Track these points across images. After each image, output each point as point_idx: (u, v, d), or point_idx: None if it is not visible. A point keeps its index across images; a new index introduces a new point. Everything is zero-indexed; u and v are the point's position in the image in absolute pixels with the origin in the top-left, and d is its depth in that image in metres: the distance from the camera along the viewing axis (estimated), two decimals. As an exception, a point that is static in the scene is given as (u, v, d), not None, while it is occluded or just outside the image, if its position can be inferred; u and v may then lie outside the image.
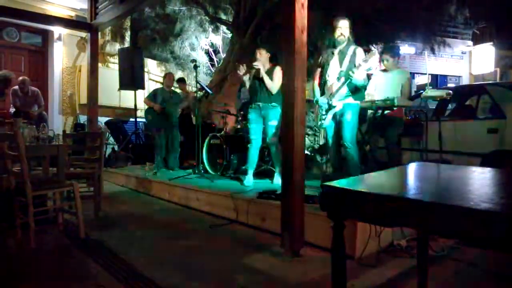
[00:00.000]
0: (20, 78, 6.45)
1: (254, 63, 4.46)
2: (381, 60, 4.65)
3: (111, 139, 8.07)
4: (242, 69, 4.62)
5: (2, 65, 7.48)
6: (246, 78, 4.63)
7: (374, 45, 7.98)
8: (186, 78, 8.89)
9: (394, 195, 1.22)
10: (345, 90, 3.69)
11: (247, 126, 5.35)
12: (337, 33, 3.71)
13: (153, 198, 5.07)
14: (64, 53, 8.47)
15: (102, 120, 7.68)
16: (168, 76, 6.47)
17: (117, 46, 8.97)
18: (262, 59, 4.49)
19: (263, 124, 4.54)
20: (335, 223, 1.35)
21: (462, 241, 2.57)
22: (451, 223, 1.06)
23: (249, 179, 4.51)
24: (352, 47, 3.69)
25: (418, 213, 1.12)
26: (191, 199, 4.40)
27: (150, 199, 5.05)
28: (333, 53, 3.81)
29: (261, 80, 4.42)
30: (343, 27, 3.69)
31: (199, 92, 5.57)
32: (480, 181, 1.56)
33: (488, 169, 1.74)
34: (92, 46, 5.96)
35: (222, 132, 5.85)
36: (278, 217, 2.92)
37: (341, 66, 3.70)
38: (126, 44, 9.16)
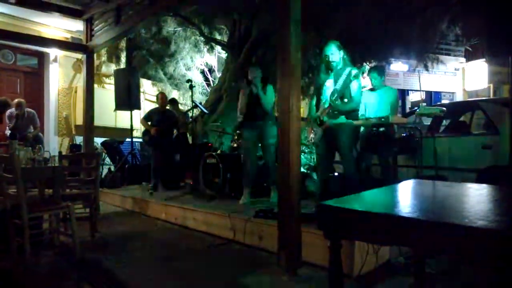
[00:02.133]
0: (16, 100, 6.46)
1: (250, 78, 4.51)
2: (369, 80, 4.72)
3: (108, 160, 8.04)
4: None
5: (-1, 87, 7.51)
6: (242, 92, 4.62)
7: (367, 63, 8.09)
8: (181, 98, 8.95)
9: (388, 214, 1.23)
10: (339, 112, 3.70)
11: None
12: (327, 59, 3.76)
13: (150, 218, 5.03)
14: (60, 75, 8.52)
15: (98, 140, 7.68)
16: (160, 96, 6.52)
17: (113, 67, 9.04)
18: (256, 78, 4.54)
19: (259, 142, 4.56)
20: (331, 243, 1.35)
21: (459, 259, 2.57)
22: (447, 241, 1.06)
23: (245, 198, 4.50)
24: (348, 69, 3.69)
25: (413, 231, 1.13)
26: (188, 219, 4.37)
27: (146, 219, 5.01)
28: (328, 74, 3.83)
29: (255, 98, 4.46)
30: (329, 54, 3.74)
31: (194, 112, 5.59)
32: (475, 198, 1.57)
33: (484, 185, 1.75)
34: (88, 67, 6.01)
35: (218, 151, 5.85)
36: (275, 235, 2.91)
37: (335, 85, 3.73)
38: (122, 65, 9.23)
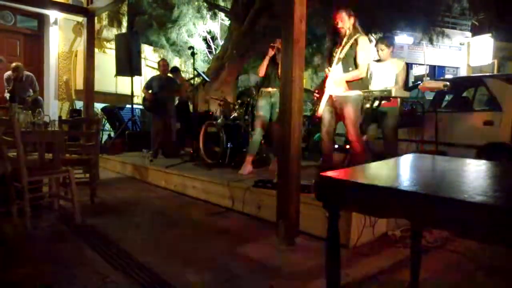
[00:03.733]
0: (14, 64, 6.38)
1: (273, 44, 4.46)
2: (376, 50, 4.63)
3: (108, 126, 8.04)
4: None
5: (-3, 48, 7.40)
6: (268, 57, 4.56)
7: (373, 34, 7.94)
8: (183, 65, 8.84)
9: (388, 187, 1.23)
10: (342, 82, 3.58)
11: (245, 114, 5.36)
12: (335, 26, 3.65)
13: (150, 185, 5.07)
14: (60, 38, 8.38)
15: (98, 106, 7.64)
16: (162, 63, 6.43)
17: (114, 31, 8.88)
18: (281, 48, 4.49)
19: (269, 113, 4.55)
20: (330, 213, 1.36)
21: (456, 233, 2.60)
22: (445, 216, 1.07)
23: (247, 167, 4.52)
24: (356, 35, 3.57)
25: (412, 205, 1.13)
26: (188, 187, 4.41)
27: (146, 186, 5.06)
28: (337, 43, 3.70)
29: (275, 65, 4.41)
30: (338, 19, 3.63)
31: (196, 79, 5.54)
32: (475, 173, 1.57)
33: (483, 161, 1.75)
34: (88, 31, 5.89)
35: (219, 120, 5.83)
36: (274, 205, 2.94)
37: (340, 55, 3.63)
38: (123, 30, 9.06)
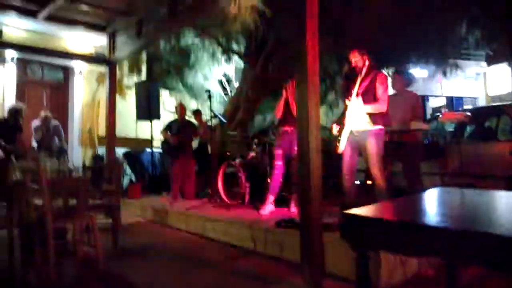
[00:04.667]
0: (43, 113, 6.63)
1: (285, 85, 4.54)
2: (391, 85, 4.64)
3: (128, 170, 8.15)
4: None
5: (26, 99, 7.72)
6: (282, 98, 4.63)
7: (385, 69, 7.99)
8: (200, 107, 9.01)
9: (419, 223, 1.19)
10: (364, 116, 3.58)
11: (262, 153, 5.37)
12: (352, 63, 3.70)
13: (170, 228, 5.04)
14: (84, 88, 8.73)
15: (119, 151, 7.79)
16: (180, 107, 6.59)
17: (134, 79, 9.21)
18: (294, 88, 4.57)
19: (289, 151, 4.55)
20: (358, 255, 1.31)
21: (493, 270, 2.47)
22: (480, 251, 1.02)
23: (269, 207, 4.48)
24: (373, 72, 3.62)
25: (444, 241, 1.08)
26: (208, 229, 4.37)
27: (167, 229, 5.03)
28: (354, 81, 3.71)
29: (289, 105, 4.49)
30: (353, 60, 3.69)
31: (213, 121, 5.63)
32: (507, 206, 1.51)
33: (514, 193, 1.69)
34: (110, 80, 6.13)
35: (237, 160, 5.85)
36: (297, 246, 2.86)
37: (358, 88, 3.63)
38: (143, 77, 9.39)
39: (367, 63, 3.62)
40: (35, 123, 6.67)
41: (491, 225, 1.12)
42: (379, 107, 3.56)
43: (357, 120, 3.58)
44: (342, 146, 3.63)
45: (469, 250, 1.04)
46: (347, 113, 3.63)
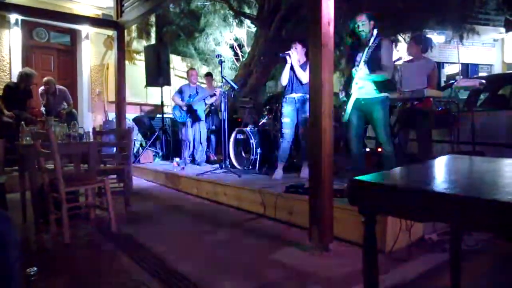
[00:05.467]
0: (45, 78, 6.63)
1: (287, 51, 4.47)
2: (407, 49, 4.53)
3: (139, 136, 8.23)
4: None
5: (33, 64, 7.71)
6: (288, 65, 4.59)
7: (402, 35, 7.78)
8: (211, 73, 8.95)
9: (426, 189, 1.19)
10: (370, 85, 3.58)
11: (273, 120, 5.36)
12: (357, 29, 3.63)
13: (182, 193, 5.14)
14: (92, 52, 8.67)
15: (129, 116, 7.84)
16: (190, 73, 6.52)
17: (143, 43, 9.11)
18: (298, 53, 4.52)
19: (296, 118, 4.55)
20: (366, 219, 1.32)
21: (498, 236, 2.49)
22: (487, 218, 1.02)
23: (279, 173, 4.53)
24: (378, 39, 3.55)
25: (451, 207, 1.09)
26: (219, 194, 4.44)
27: (178, 194, 5.13)
28: (358, 48, 3.69)
29: (294, 72, 4.48)
30: (359, 24, 3.60)
31: (224, 87, 5.60)
32: (518, 173, 1.50)
33: (526, 161, 1.67)
34: (118, 44, 6.07)
35: (248, 127, 5.86)
36: (305, 211, 2.90)
37: (363, 57, 3.59)
38: (152, 41, 9.28)
39: (374, 31, 3.55)
40: (41, 89, 6.70)
41: (498, 193, 1.12)
42: (385, 74, 3.56)
43: (363, 88, 3.58)
44: (347, 115, 3.65)
45: (476, 216, 1.05)
46: (353, 81, 3.59)
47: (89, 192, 3.60)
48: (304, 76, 4.43)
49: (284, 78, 4.63)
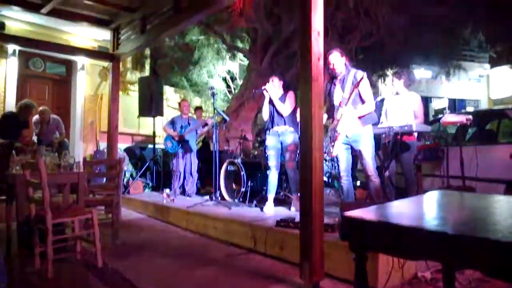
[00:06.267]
0: (40, 108, 6.64)
1: (263, 87, 4.56)
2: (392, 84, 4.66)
3: (130, 166, 8.16)
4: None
5: (28, 94, 7.73)
6: (266, 99, 4.64)
7: (389, 70, 7.99)
8: (203, 104, 9.06)
9: (417, 227, 1.19)
10: (354, 119, 3.67)
11: (264, 152, 5.38)
12: (330, 67, 3.76)
13: (171, 225, 5.05)
14: (87, 82, 8.73)
15: (121, 146, 7.81)
16: (182, 104, 6.58)
17: (137, 74, 9.22)
18: (275, 86, 4.60)
19: (281, 150, 4.58)
20: (356, 255, 1.32)
21: (490, 274, 2.47)
22: (478, 256, 1.02)
23: (269, 206, 4.51)
24: (352, 72, 3.70)
25: (442, 245, 1.09)
26: (209, 227, 4.38)
27: (167, 226, 5.04)
28: (334, 83, 3.84)
29: (273, 105, 4.53)
30: (332, 61, 3.75)
31: (216, 118, 5.63)
32: (507, 210, 1.51)
33: (515, 197, 1.68)
34: (113, 75, 6.14)
35: (239, 159, 5.86)
36: (297, 246, 2.86)
37: (343, 92, 3.70)
38: (146, 72, 9.40)
39: (343, 63, 3.71)
40: (35, 117, 6.69)
41: (489, 230, 1.12)
42: (368, 107, 3.70)
43: (348, 124, 3.68)
44: (336, 149, 3.71)
45: (467, 254, 1.05)
46: (338, 118, 3.70)
47: (76, 224, 3.52)
48: (283, 108, 4.48)
49: (265, 113, 4.68)
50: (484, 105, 13.07)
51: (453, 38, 7.29)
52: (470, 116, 4.28)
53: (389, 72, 7.84)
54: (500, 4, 6.31)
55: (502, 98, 12.43)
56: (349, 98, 3.62)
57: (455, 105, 13.04)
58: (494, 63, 12.36)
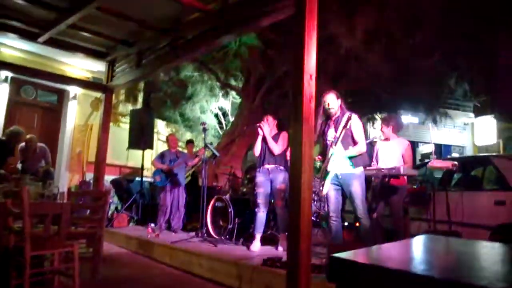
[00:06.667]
0: (28, 136, 6.59)
1: (258, 124, 4.62)
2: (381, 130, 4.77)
3: (116, 198, 8.04)
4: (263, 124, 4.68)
5: (16, 120, 7.68)
6: (260, 136, 4.67)
7: (378, 114, 8.19)
8: (194, 139, 9.09)
9: (404, 271, 1.19)
10: (346, 160, 3.71)
11: (253, 189, 5.36)
12: (325, 107, 3.85)
13: (154, 261, 4.92)
14: (77, 112, 8.73)
15: (108, 178, 7.71)
16: (170, 138, 6.60)
17: (129, 107, 9.26)
18: (269, 125, 4.66)
19: (270, 188, 4.57)
20: (344, 299, 1.30)
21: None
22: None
23: (256, 245, 4.44)
24: (346, 114, 3.77)
25: (429, 290, 1.09)
26: (193, 264, 4.27)
27: (150, 262, 4.90)
28: (328, 124, 3.92)
29: (266, 143, 4.55)
30: (328, 101, 3.84)
31: (206, 154, 5.64)
32: (492, 257, 1.52)
33: (499, 244, 1.70)
34: (106, 106, 6.15)
35: (227, 195, 5.82)
36: (283, 286, 2.81)
37: (336, 132, 3.77)
38: (138, 105, 9.45)
39: (339, 105, 3.81)
40: (21, 145, 6.62)
41: (475, 276, 1.13)
42: (359, 149, 3.75)
43: (339, 164, 3.71)
44: (326, 189, 3.72)
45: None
46: (330, 158, 3.72)
47: (55, 257, 3.41)
48: (276, 147, 4.54)
49: (257, 149, 4.73)
50: (469, 151, 13.34)
51: (439, 88, 7.56)
52: (456, 162, 4.38)
53: (378, 116, 8.03)
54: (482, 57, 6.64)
55: (486, 145, 12.73)
56: (338, 138, 3.68)
57: (441, 150, 13.28)
58: (478, 112, 12.74)
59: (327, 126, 3.92)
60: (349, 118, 3.70)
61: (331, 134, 3.85)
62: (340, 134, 3.68)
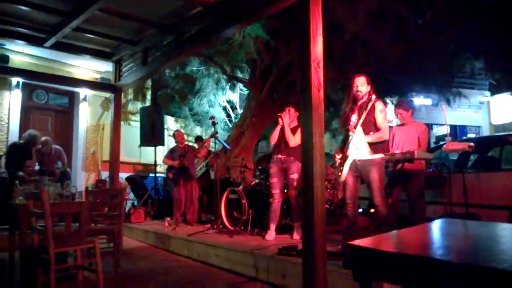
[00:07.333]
0: (43, 138, 6.71)
1: (280, 114, 4.59)
2: (396, 115, 4.69)
3: (131, 194, 8.14)
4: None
5: (31, 124, 7.80)
6: (279, 126, 4.67)
7: (389, 98, 8.07)
8: (204, 134, 9.13)
9: (422, 256, 1.19)
10: (366, 146, 3.61)
11: (265, 180, 5.37)
12: (354, 90, 3.77)
13: (172, 254, 4.99)
14: (88, 113, 8.83)
15: (122, 175, 7.81)
16: (177, 134, 6.64)
17: (139, 105, 9.33)
18: (290, 116, 4.63)
19: (284, 178, 4.57)
20: (361, 285, 1.30)
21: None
22: (483, 286, 1.01)
23: (271, 234, 4.46)
24: (372, 101, 3.68)
25: (447, 274, 1.08)
26: (210, 256, 4.33)
27: (168, 255, 4.98)
28: (353, 110, 3.81)
29: (284, 134, 4.52)
30: (358, 84, 3.75)
31: (216, 147, 5.67)
32: (510, 239, 1.50)
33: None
34: (115, 106, 6.23)
35: (240, 187, 5.84)
36: (299, 274, 2.83)
37: (360, 119, 3.70)
38: (147, 103, 9.51)
39: (368, 91, 3.70)
40: (37, 147, 6.75)
41: (494, 260, 1.12)
42: (382, 135, 3.64)
43: (359, 150, 3.63)
44: (344, 175, 3.67)
45: (472, 284, 1.04)
46: (349, 142, 3.66)
47: (78, 253, 3.49)
48: (292, 139, 4.51)
49: (274, 138, 4.73)
50: (485, 131, 13.09)
51: (452, 67, 7.38)
52: (472, 144, 4.28)
53: (388, 100, 7.91)
54: (498, 32, 6.43)
55: (503, 124, 12.47)
56: (357, 122, 3.61)
57: (456, 132, 13.07)
58: (494, 90, 12.46)
59: (352, 111, 3.80)
60: (373, 103, 3.62)
61: (354, 119, 3.74)
62: (361, 118, 3.61)
